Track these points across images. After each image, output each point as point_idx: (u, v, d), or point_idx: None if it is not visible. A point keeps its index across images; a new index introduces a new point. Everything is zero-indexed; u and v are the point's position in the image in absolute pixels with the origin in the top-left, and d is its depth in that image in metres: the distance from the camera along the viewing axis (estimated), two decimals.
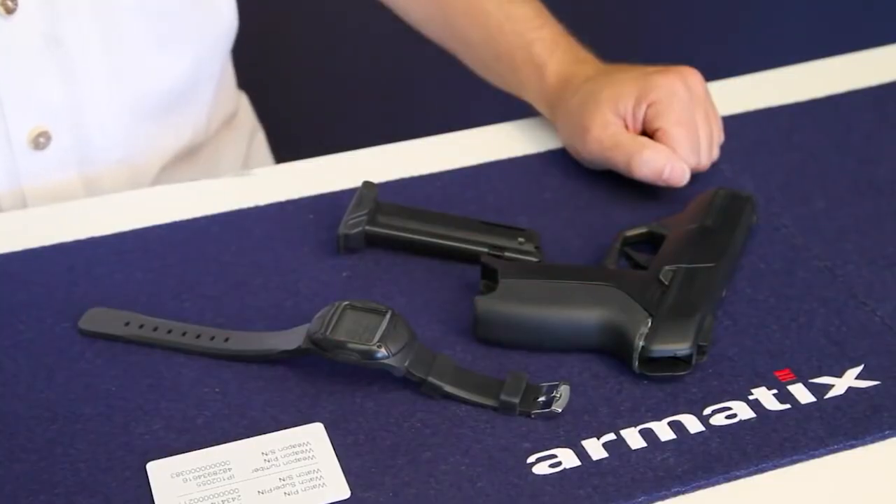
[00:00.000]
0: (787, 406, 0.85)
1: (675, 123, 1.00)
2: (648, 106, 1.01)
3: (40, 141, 1.06)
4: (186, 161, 1.19)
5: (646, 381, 0.86)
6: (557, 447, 0.82)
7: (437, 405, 0.85)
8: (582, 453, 0.82)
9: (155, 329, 0.89)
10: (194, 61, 1.14)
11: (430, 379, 0.85)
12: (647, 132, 1.02)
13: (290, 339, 0.87)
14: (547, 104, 1.08)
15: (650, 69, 1.04)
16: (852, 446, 0.83)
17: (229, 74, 1.25)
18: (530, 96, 1.10)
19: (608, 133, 1.01)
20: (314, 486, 0.80)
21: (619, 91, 1.02)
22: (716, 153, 1.03)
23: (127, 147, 1.12)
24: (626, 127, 1.02)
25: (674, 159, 0.99)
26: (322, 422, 0.84)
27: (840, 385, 0.86)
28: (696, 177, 1.03)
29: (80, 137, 1.08)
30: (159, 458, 0.81)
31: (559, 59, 1.07)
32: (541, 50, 1.08)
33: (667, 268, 0.91)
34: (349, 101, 2.01)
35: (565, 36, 1.10)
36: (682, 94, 1.01)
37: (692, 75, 1.03)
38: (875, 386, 0.86)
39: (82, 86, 1.06)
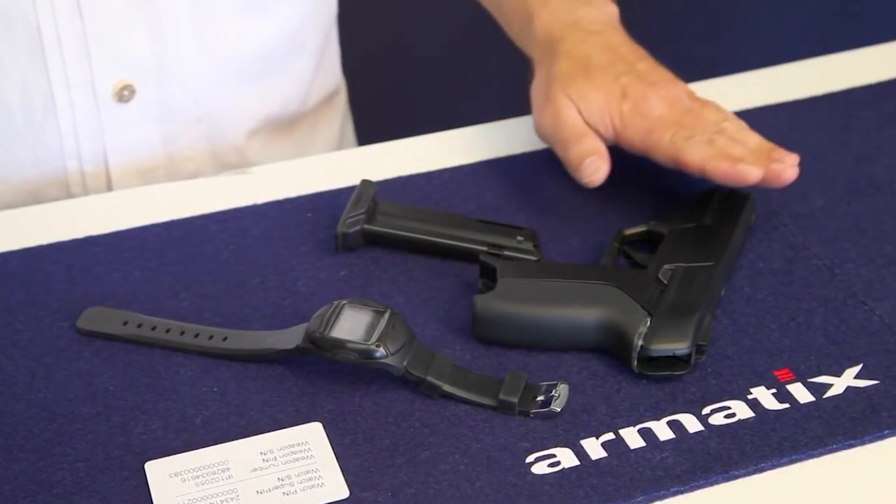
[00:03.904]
0: (786, 405, 0.85)
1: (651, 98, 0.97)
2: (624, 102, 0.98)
3: (124, 94, 1.07)
4: (280, 132, 1.18)
5: (645, 381, 0.86)
6: (556, 447, 0.82)
7: (436, 405, 0.85)
8: (581, 453, 0.82)
9: (153, 328, 0.89)
10: (286, 30, 1.13)
11: (429, 378, 0.84)
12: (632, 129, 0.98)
13: (289, 338, 0.86)
14: (535, 58, 1.04)
15: (625, 79, 0.98)
16: (851, 446, 0.83)
17: (333, 52, 1.24)
18: (526, 48, 1.06)
19: (563, 114, 0.98)
20: (313, 486, 0.80)
21: (588, 96, 0.98)
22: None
23: (210, 108, 1.12)
24: (610, 124, 0.98)
25: (602, 157, 0.96)
26: (321, 421, 0.84)
27: (839, 384, 0.86)
28: (696, 176, 1.03)
29: (163, 94, 1.09)
30: (157, 458, 0.81)
31: (550, 13, 1.03)
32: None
33: (666, 267, 0.91)
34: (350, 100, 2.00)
35: None
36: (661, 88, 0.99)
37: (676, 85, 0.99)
38: (874, 385, 0.86)
39: (169, 43, 1.07)
